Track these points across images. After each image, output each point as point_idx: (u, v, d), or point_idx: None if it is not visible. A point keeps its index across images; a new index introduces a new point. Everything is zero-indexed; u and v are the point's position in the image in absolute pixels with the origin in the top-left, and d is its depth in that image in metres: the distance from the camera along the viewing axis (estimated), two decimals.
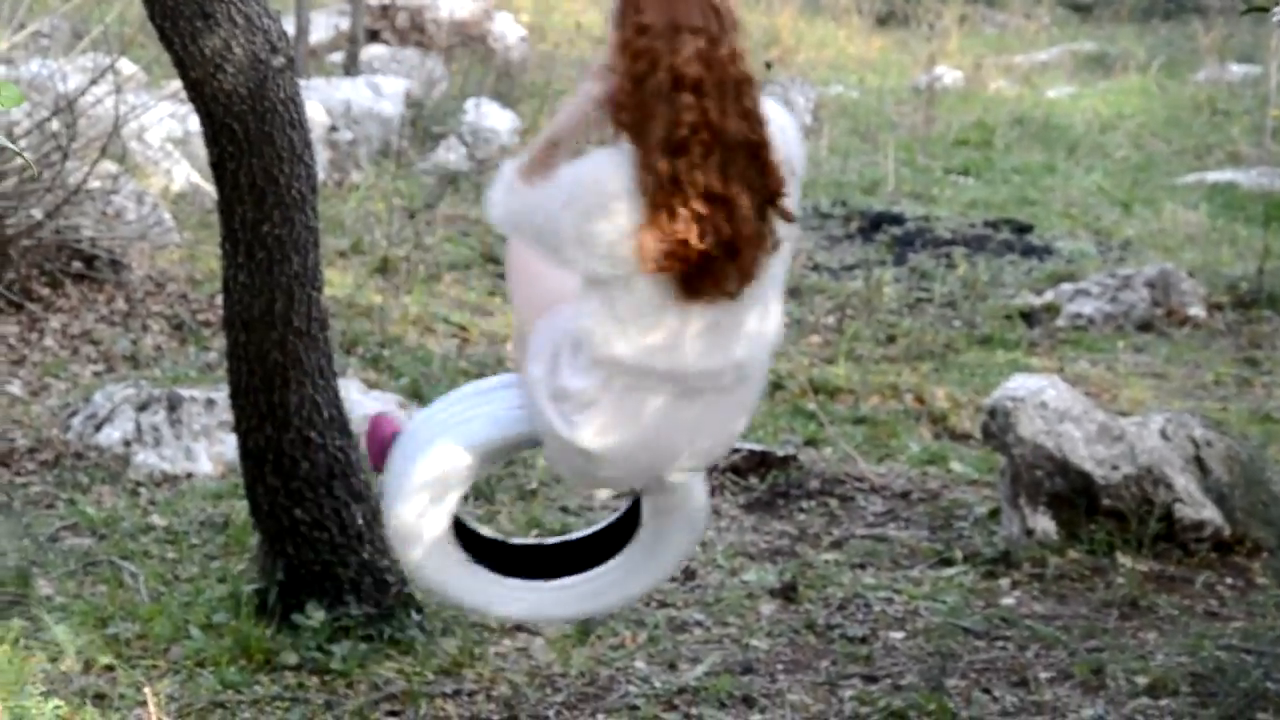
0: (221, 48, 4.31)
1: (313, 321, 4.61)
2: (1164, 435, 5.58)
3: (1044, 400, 5.59)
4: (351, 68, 12.31)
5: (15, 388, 6.78)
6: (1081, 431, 5.55)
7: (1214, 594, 5.31)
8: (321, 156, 10.22)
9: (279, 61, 4.42)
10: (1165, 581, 5.35)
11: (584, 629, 4.85)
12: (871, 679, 4.67)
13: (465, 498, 3.76)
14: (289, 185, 4.50)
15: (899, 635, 4.97)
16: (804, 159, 3.29)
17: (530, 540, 4.30)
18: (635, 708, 4.48)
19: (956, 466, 6.42)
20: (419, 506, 3.49)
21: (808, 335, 8.09)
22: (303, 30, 11.55)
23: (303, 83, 10.58)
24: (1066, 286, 8.90)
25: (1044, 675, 4.68)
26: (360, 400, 6.15)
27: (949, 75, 15.33)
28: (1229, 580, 5.40)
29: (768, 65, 13.39)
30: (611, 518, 3.80)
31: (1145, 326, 8.48)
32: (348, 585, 4.73)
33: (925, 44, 15.88)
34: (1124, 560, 5.41)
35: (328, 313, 4.77)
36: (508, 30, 14.25)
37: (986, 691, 4.58)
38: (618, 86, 3.10)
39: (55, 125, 7.52)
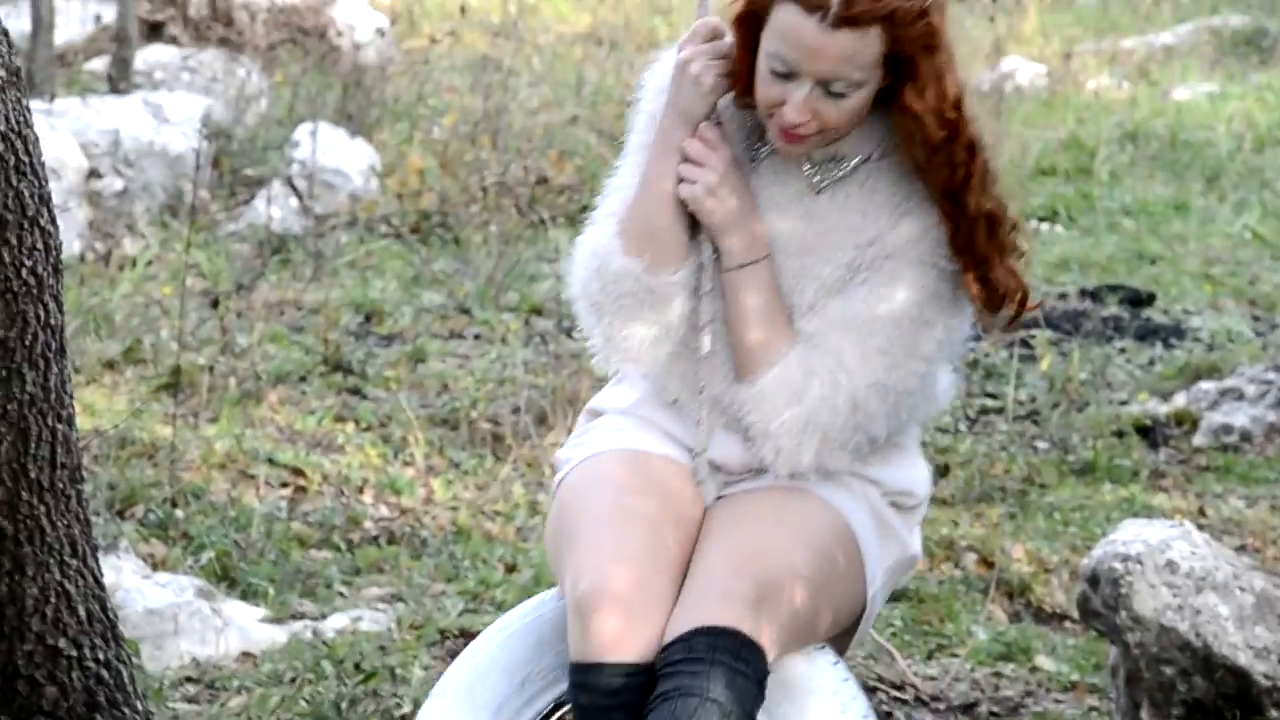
0: None
1: (59, 470, 3.83)
2: None
3: (1172, 559, 4.41)
4: (122, 80, 9.79)
5: None
6: (1231, 606, 4.39)
7: None
8: (76, 217, 8.41)
9: None
10: None
11: None
12: None
13: None
14: (16, 264, 3.69)
15: None
16: None
17: None
18: None
19: (1044, 663, 5.13)
20: None
21: None
22: (43, 25, 9.21)
23: (43, 104, 8.99)
24: (1207, 385, 7.15)
25: None
26: (140, 587, 5.02)
27: (1026, 71, 12.41)
28: None
29: None
30: None
31: None
32: None
33: (989, 26, 11.95)
34: None
35: (82, 455, 4.04)
36: (358, 20, 11.29)
37: None
38: None
39: None
